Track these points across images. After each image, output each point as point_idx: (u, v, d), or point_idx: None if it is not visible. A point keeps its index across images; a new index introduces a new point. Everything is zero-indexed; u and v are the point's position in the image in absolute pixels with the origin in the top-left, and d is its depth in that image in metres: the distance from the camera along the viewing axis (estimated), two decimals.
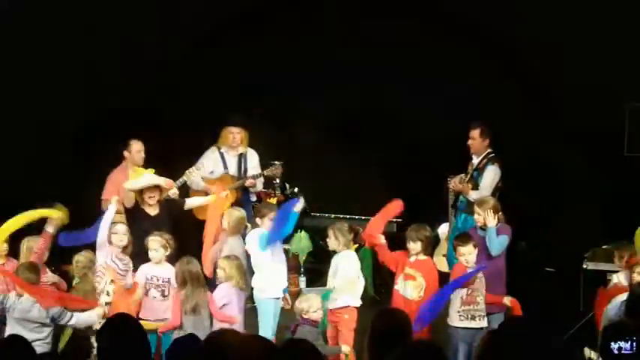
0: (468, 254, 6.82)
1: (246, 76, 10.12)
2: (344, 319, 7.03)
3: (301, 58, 10.17)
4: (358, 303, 7.14)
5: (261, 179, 8.98)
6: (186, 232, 8.07)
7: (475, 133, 8.57)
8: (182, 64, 9.91)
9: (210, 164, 8.95)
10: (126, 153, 8.50)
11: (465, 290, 6.74)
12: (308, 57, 10.14)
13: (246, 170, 8.93)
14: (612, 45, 9.09)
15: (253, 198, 9.00)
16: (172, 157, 8.93)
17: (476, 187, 8.35)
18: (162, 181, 7.93)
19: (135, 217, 7.80)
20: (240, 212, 7.82)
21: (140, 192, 7.78)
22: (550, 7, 9.22)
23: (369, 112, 10.18)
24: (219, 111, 10.17)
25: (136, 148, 8.48)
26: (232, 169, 8.93)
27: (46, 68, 9.10)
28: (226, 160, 8.96)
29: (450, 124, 9.58)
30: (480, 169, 8.53)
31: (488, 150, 8.55)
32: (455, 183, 8.44)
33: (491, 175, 8.39)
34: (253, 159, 9.02)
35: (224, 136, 8.93)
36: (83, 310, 6.47)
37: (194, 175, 8.45)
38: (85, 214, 7.92)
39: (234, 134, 8.87)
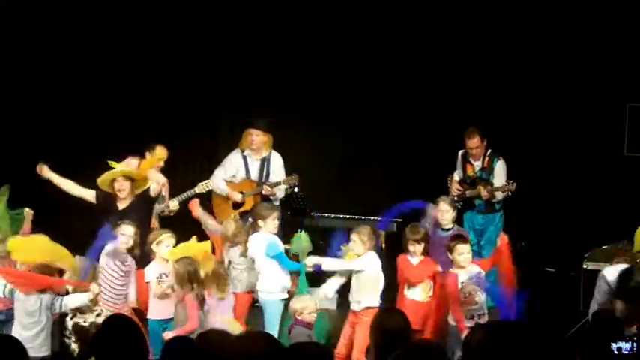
0: (467, 252, 6.82)
1: (246, 75, 10.13)
2: (364, 320, 6.84)
3: (301, 58, 10.17)
4: (378, 302, 7.08)
5: (283, 187, 8.70)
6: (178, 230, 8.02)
7: (475, 142, 8.62)
8: (183, 64, 9.91)
9: (232, 168, 8.76)
10: (147, 155, 8.27)
11: (463, 291, 6.74)
12: (308, 56, 10.14)
13: (268, 175, 8.71)
14: (612, 45, 9.10)
15: (276, 203, 8.68)
16: (177, 162, 8.81)
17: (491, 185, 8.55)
18: (133, 170, 7.78)
19: (103, 207, 7.76)
20: (237, 223, 7.71)
21: (112, 184, 7.71)
22: (551, 6, 9.22)
23: (369, 112, 10.18)
24: (220, 112, 10.23)
25: (160, 155, 8.26)
26: (254, 174, 8.72)
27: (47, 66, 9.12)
28: (248, 165, 8.73)
29: (450, 124, 9.59)
30: (485, 169, 8.62)
31: (486, 149, 8.68)
32: (482, 192, 8.51)
33: (503, 171, 8.56)
34: (275, 163, 8.77)
35: (245, 139, 8.72)
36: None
37: (208, 187, 8.22)
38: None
39: (253, 136, 8.60)
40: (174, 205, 8.20)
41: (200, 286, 6.62)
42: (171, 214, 8.25)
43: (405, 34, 9.85)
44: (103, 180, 7.75)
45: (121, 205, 7.72)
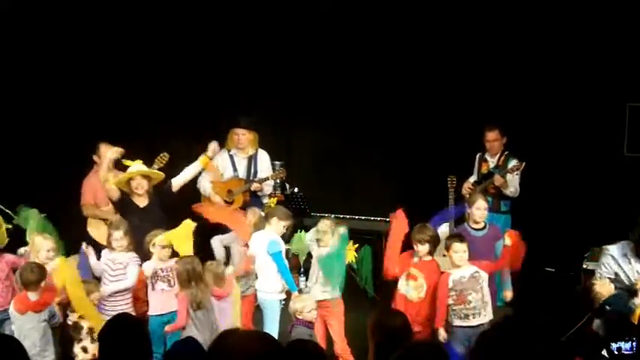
0: (463, 252, 6.80)
1: (246, 75, 10.14)
2: (335, 312, 7.06)
3: (301, 57, 10.17)
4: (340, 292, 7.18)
5: (270, 182, 8.84)
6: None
7: (494, 134, 8.76)
8: (179, 64, 9.92)
9: (219, 168, 8.81)
10: (95, 157, 8.35)
11: (454, 291, 6.74)
12: (307, 56, 10.14)
13: (256, 172, 8.79)
14: (612, 45, 9.09)
15: (265, 200, 8.85)
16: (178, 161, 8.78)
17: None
18: (149, 170, 7.84)
19: (124, 209, 7.78)
20: (260, 212, 7.88)
21: (128, 183, 7.75)
22: (550, 6, 9.22)
23: (369, 112, 10.18)
24: (220, 112, 10.23)
25: (105, 152, 8.22)
26: (241, 172, 8.80)
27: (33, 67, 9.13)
28: (235, 163, 8.81)
29: (451, 124, 9.59)
30: (500, 167, 8.67)
31: (504, 148, 8.80)
32: (495, 177, 8.56)
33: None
34: (264, 161, 8.87)
35: (230, 138, 8.81)
36: None
37: (165, 159, 8.14)
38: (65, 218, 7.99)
39: (239, 135, 8.70)
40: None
41: (200, 285, 6.62)
42: None
43: (404, 35, 9.85)
44: (120, 180, 7.80)
45: (141, 203, 7.78)
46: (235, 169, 8.82)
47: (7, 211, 7.16)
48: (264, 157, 8.90)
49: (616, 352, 5.19)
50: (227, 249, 7.98)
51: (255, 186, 8.69)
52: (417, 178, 9.73)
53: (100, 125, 9.25)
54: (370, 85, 10.11)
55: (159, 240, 7.06)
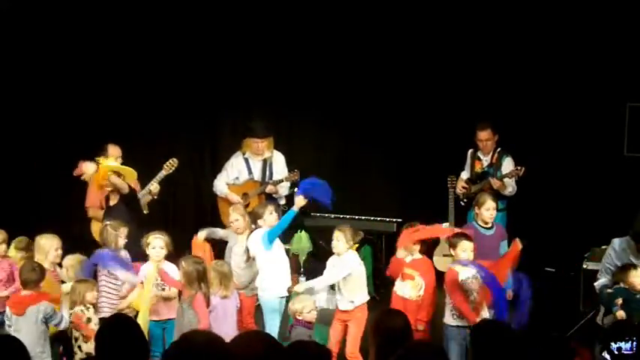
0: (471, 251, 6.79)
1: (246, 76, 10.13)
2: (357, 317, 6.98)
3: (301, 58, 10.17)
4: (367, 297, 7.14)
5: (286, 184, 8.81)
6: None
7: (486, 133, 8.71)
8: (180, 64, 9.92)
9: (234, 171, 8.86)
10: (101, 158, 8.17)
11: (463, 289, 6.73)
12: (308, 56, 10.14)
13: (271, 175, 8.81)
14: (612, 45, 9.10)
15: (282, 201, 8.84)
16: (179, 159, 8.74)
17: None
18: (119, 166, 7.84)
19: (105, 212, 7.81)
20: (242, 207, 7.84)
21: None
22: (550, 6, 9.23)
23: (369, 112, 10.18)
24: (221, 113, 10.24)
25: (114, 154, 8.18)
26: (257, 175, 8.82)
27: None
28: (251, 166, 8.85)
29: (451, 124, 9.59)
30: (494, 164, 8.65)
31: (496, 145, 8.76)
32: (493, 181, 8.53)
33: (511, 167, 8.58)
34: (279, 163, 8.88)
35: (246, 144, 8.85)
36: None
37: (174, 166, 8.18)
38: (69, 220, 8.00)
39: (258, 143, 8.75)
40: (155, 187, 8.20)
41: (207, 285, 6.61)
42: (156, 197, 8.27)
43: (404, 34, 9.85)
44: (100, 175, 7.79)
45: (112, 202, 7.79)
46: (250, 172, 8.85)
47: None
48: (279, 159, 8.91)
49: (616, 352, 5.19)
50: (223, 245, 7.94)
51: (269, 188, 8.69)
52: (417, 178, 9.73)
53: (101, 126, 9.25)
54: (370, 85, 10.11)
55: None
